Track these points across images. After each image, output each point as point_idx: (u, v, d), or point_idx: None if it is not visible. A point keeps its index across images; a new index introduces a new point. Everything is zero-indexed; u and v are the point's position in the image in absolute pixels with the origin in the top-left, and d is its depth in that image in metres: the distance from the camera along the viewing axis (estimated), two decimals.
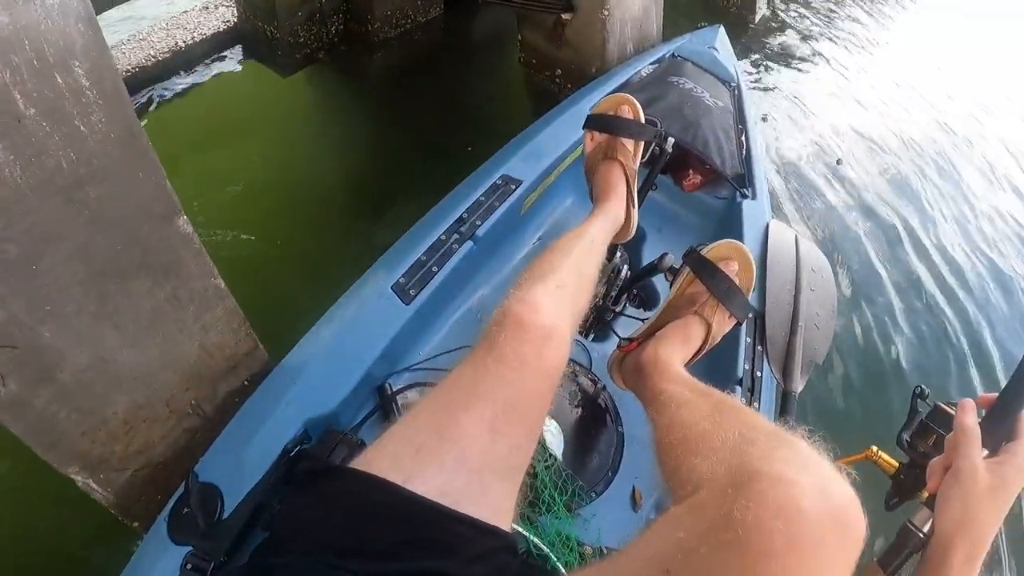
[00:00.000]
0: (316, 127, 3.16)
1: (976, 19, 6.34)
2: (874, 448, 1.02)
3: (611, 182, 1.45)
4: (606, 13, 2.86)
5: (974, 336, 3.20)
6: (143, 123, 2.59)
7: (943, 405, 0.94)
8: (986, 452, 0.84)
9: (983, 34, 6.21)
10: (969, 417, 0.85)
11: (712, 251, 1.36)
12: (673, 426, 0.92)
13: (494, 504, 0.84)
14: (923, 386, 1.00)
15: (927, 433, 0.94)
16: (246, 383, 1.46)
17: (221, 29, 3.18)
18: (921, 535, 0.84)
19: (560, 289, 1.04)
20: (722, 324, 1.31)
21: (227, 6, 3.27)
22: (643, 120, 1.53)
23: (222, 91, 3.08)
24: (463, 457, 0.83)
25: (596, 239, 1.29)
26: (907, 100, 5.04)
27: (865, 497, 0.65)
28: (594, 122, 1.54)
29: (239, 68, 3.20)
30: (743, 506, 0.60)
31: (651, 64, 2.64)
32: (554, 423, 1.50)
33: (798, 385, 1.68)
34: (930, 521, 0.84)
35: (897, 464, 0.99)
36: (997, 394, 0.88)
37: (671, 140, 1.66)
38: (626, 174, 1.47)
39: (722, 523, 0.61)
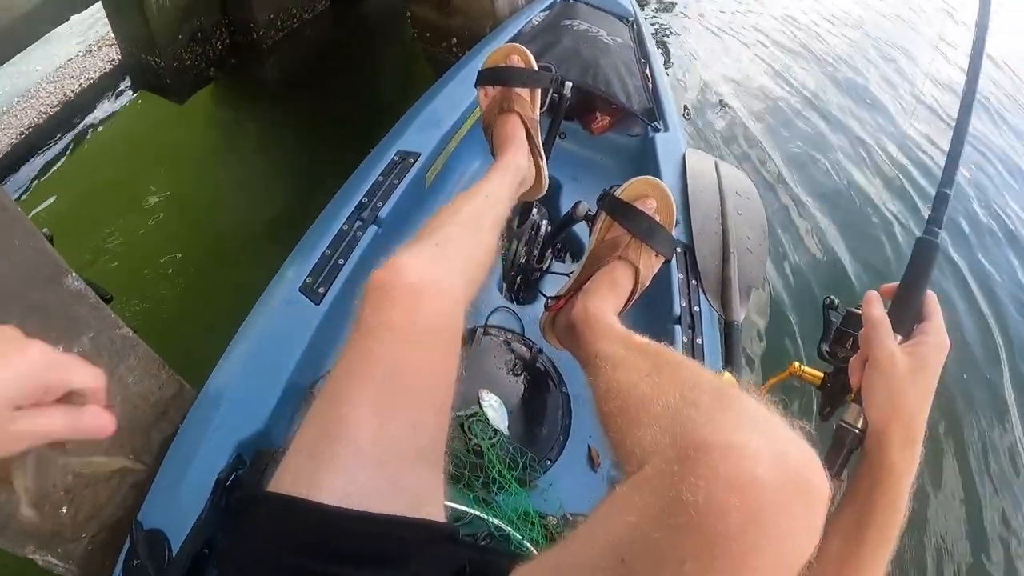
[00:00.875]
0: (221, 149, 3.06)
1: None
2: (796, 364, 1.00)
3: (509, 134, 1.38)
4: None
5: (867, 243, 3.33)
6: (49, 176, 2.52)
7: (853, 309, 0.94)
8: (900, 338, 0.83)
9: None
10: (876, 308, 0.84)
11: (627, 191, 1.29)
12: (611, 392, 0.86)
13: (412, 493, 0.77)
14: (831, 296, 0.99)
15: (843, 338, 0.94)
16: (179, 425, 1.39)
17: (108, 70, 3.07)
18: (856, 431, 0.84)
19: (440, 247, 0.96)
20: (649, 264, 1.25)
21: (109, 45, 3.14)
22: (536, 67, 1.46)
23: (121, 131, 2.94)
24: (358, 451, 0.75)
25: (493, 192, 1.21)
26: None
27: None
28: (485, 77, 1.47)
29: (135, 104, 3.08)
30: (692, 484, 0.53)
31: (543, 11, 2.57)
32: (494, 396, 1.44)
33: (739, 314, 1.64)
34: (861, 416, 0.83)
35: (822, 374, 0.98)
36: (899, 282, 0.88)
37: (569, 84, 1.59)
38: (525, 124, 1.40)
39: (673, 506, 0.54)
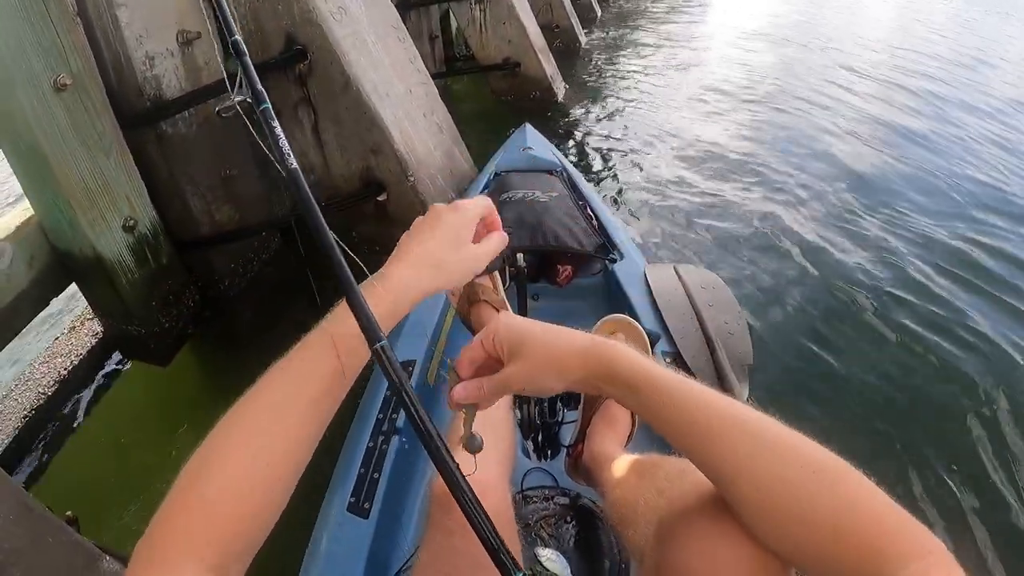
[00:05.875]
0: (214, 402, 3.08)
1: None
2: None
3: (486, 323, 1.51)
4: (412, 179, 3.00)
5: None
6: (60, 453, 2.56)
7: None
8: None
9: None
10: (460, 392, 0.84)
11: (598, 332, 1.42)
12: (613, 508, 0.98)
13: None
14: None
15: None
16: None
17: (94, 344, 3.15)
18: None
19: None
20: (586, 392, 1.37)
21: (90, 318, 3.23)
22: None
23: (117, 398, 2.98)
24: None
25: None
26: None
27: None
28: None
29: (126, 372, 3.12)
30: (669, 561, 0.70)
31: (480, 193, 2.73)
32: (550, 551, 1.50)
33: (742, 393, 1.75)
34: None
35: None
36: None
37: (520, 255, 1.75)
38: (496, 308, 1.54)
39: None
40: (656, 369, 0.73)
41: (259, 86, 0.98)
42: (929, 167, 5.02)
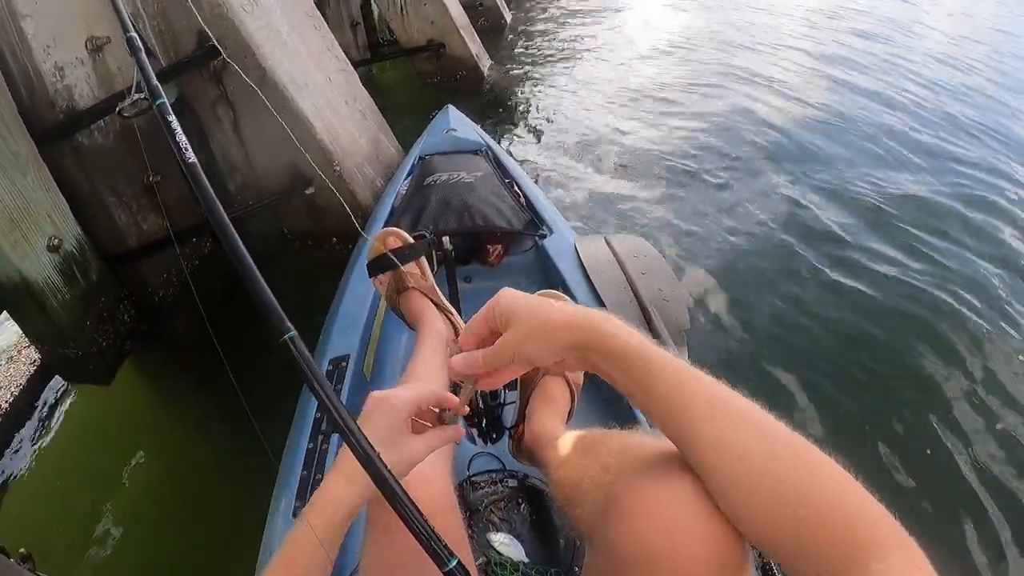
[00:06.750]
0: (161, 417, 3.00)
1: None
2: None
3: (415, 308, 1.52)
4: (338, 169, 2.97)
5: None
6: (10, 489, 2.50)
7: None
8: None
9: None
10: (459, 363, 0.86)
11: None
12: (558, 488, 0.99)
13: None
14: None
15: None
16: None
17: (33, 372, 3.07)
18: None
19: None
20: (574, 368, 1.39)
21: (26, 346, 3.14)
22: (411, 240, 1.61)
23: (63, 426, 2.90)
24: None
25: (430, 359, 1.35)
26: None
27: None
28: (373, 269, 1.63)
29: (71, 396, 3.05)
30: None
31: (405, 179, 2.75)
32: (502, 534, 1.51)
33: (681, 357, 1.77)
34: None
35: None
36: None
37: (446, 238, 1.75)
38: (425, 294, 1.54)
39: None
40: (645, 343, 0.75)
41: (154, 81, 0.96)
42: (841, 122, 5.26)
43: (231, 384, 2.98)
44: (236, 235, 0.76)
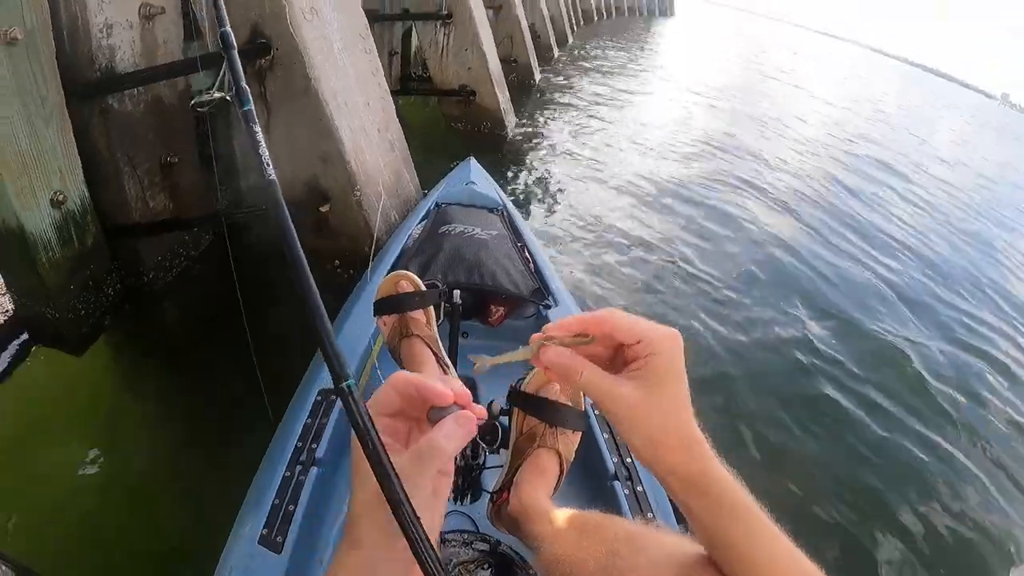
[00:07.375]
0: (124, 405, 2.85)
1: None
2: None
3: (416, 358, 1.51)
4: (358, 194, 2.96)
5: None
6: None
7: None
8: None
9: None
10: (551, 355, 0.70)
11: (531, 383, 1.41)
12: (551, 565, 0.96)
13: None
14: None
15: None
16: None
17: (2, 321, 2.98)
18: None
19: None
20: (568, 444, 1.37)
21: (2, 294, 3.04)
22: (423, 287, 1.61)
23: (18, 389, 2.81)
24: None
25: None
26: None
27: None
28: (380, 308, 1.61)
29: (30, 359, 2.93)
30: None
31: (420, 222, 2.74)
32: None
33: None
34: None
35: None
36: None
37: (456, 292, 1.74)
38: (427, 344, 1.53)
39: None
40: (739, 493, 0.66)
41: (243, 83, 0.92)
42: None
43: (199, 386, 2.94)
44: (309, 272, 0.71)
